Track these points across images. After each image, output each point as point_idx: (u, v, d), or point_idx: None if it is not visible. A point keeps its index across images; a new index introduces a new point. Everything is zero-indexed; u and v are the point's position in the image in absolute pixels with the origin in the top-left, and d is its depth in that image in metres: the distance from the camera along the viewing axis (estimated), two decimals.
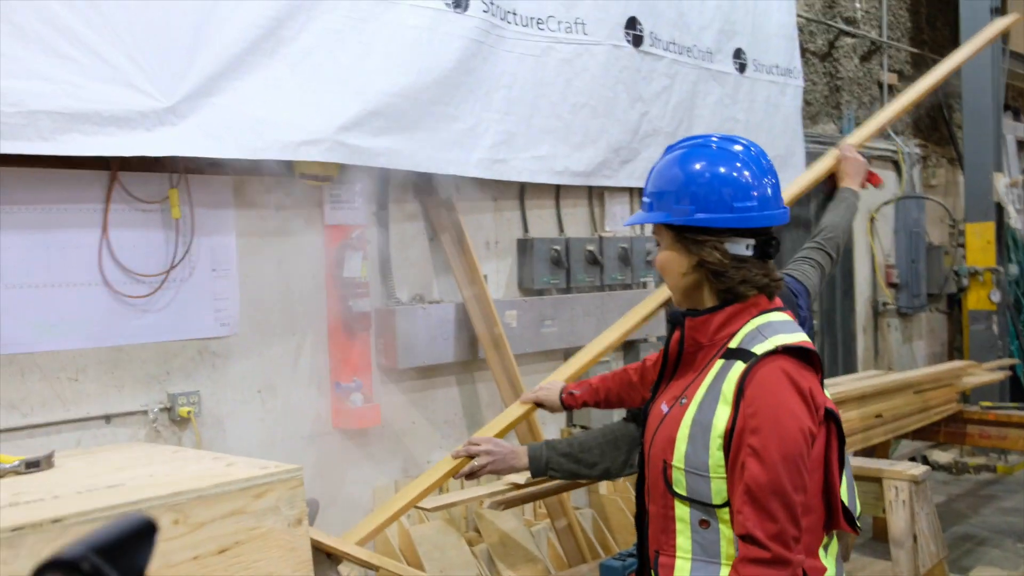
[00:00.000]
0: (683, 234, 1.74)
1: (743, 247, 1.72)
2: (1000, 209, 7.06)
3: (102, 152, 3.00)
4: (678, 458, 1.68)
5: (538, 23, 4.56)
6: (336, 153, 3.61)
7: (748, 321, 1.73)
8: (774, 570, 1.55)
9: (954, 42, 7.67)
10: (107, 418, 3.27)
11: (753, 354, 1.65)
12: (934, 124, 8.42)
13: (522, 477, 2.82)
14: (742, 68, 5.87)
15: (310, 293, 3.82)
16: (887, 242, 7.45)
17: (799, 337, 1.69)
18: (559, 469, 2.36)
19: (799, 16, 6.47)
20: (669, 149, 1.84)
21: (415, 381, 4.18)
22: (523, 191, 4.65)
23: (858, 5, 7.29)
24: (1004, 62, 7.31)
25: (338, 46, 3.66)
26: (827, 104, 7.12)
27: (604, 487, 4.55)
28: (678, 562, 1.70)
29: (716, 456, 1.64)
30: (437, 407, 4.28)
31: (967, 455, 6.94)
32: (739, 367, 1.65)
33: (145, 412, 3.36)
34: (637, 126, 5.12)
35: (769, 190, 1.73)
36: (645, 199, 1.83)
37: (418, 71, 3.92)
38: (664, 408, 1.78)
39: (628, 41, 5.03)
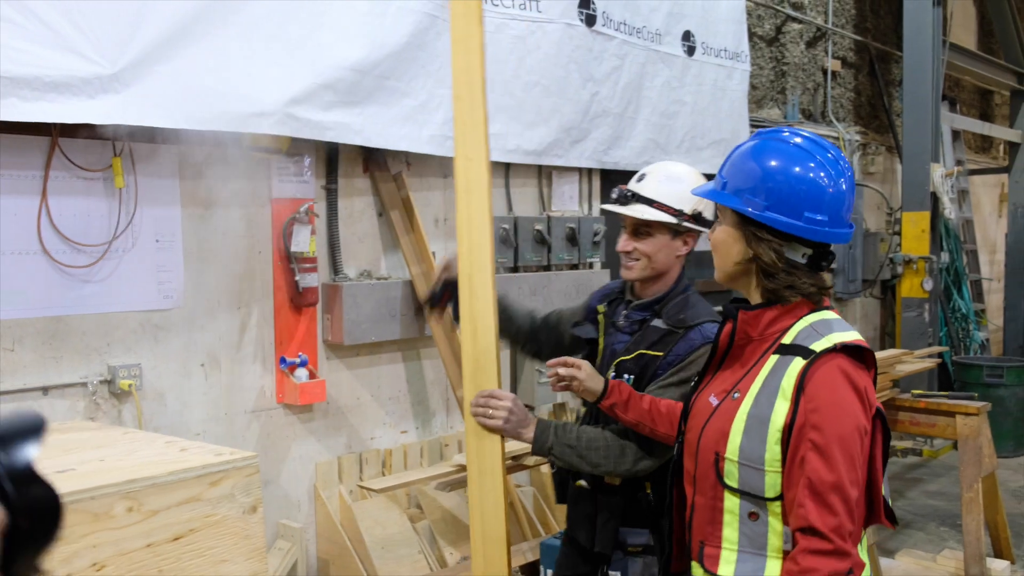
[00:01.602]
0: (748, 225, 1.75)
1: (799, 255, 1.74)
2: (935, 199, 7.25)
3: (42, 118, 2.91)
4: (732, 451, 1.69)
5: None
6: (286, 126, 3.56)
7: (801, 317, 1.75)
8: (835, 561, 1.58)
9: (896, 31, 7.82)
10: (44, 390, 3.20)
11: (812, 351, 1.67)
12: (874, 112, 8.59)
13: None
14: (691, 51, 5.91)
15: (256, 267, 3.77)
16: None
17: (855, 335, 1.72)
18: (560, 458, 2.30)
19: (748, 0, 6.52)
20: (764, 135, 1.82)
21: (361, 357, 4.16)
22: None
23: None
24: (943, 53, 7.47)
25: (290, 17, 3.59)
26: (773, 89, 7.21)
27: (545, 464, 4.60)
28: (724, 553, 1.72)
29: (773, 450, 1.66)
30: (383, 384, 4.27)
31: (895, 439, 7.17)
32: (798, 363, 1.67)
33: (84, 384, 3.29)
34: (588, 106, 5.13)
35: (843, 210, 1.74)
36: (723, 176, 1.81)
37: (371, 45, 3.87)
38: (713, 400, 1.79)
39: (581, 20, 5.02)
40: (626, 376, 2.32)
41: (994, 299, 10.19)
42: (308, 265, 3.83)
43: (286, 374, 3.81)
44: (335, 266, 4.03)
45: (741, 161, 1.77)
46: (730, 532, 1.72)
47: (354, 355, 4.12)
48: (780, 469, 1.65)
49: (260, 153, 3.68)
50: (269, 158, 3.76)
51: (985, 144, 10.93)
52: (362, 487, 3.92)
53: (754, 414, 1.68)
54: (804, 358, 1.67)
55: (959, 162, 9.58)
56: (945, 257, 8.66)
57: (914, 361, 5.62)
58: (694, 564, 1.79)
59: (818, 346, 1.68)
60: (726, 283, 1.84)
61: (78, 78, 2.96)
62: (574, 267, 5.18)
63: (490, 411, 2.25)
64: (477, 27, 2.34)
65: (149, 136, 3.32)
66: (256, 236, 3.77)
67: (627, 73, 5.41)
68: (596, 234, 5.20)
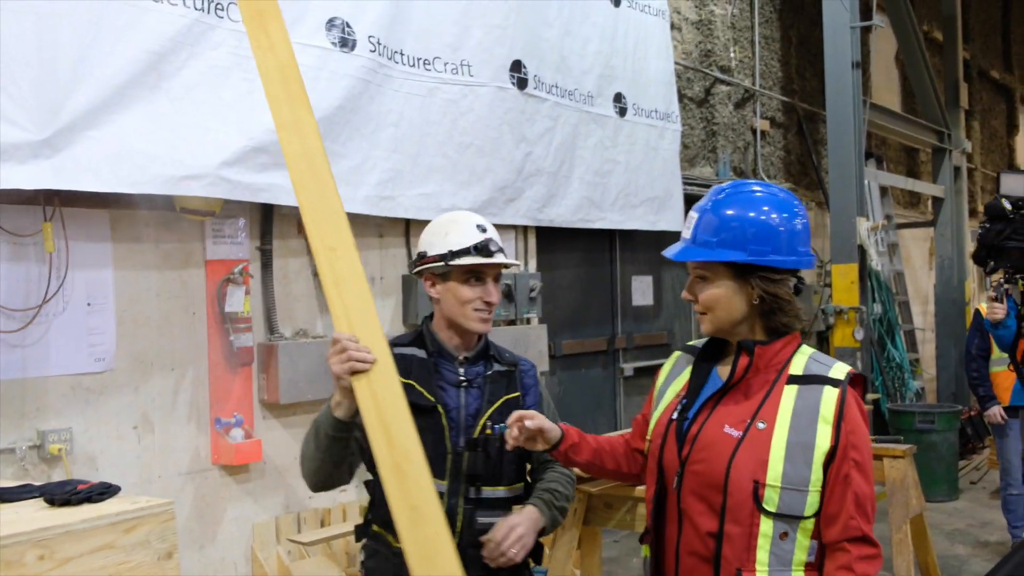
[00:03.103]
0: (752, 273, 1.87)
1: (792, 285, 1.92)
2: (863, 251, 7.50)
3: None
4: (773, 477, 1.79)
5: (425, 64, 4.67)
6: (218, 188, 3.62)
7: (796, 350, 1.92)
8: (879, 562, 1.83)
9: (822, 92, 8.15)
10: None
11: (835, 380, 1.85)
12: (804, 169, 8.90)
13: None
14: (622, 112, 6.11)
15: (190, 328, 3.79)
16: None
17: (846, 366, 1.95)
18: (564, 516, 2.32)
19: (677, 63, 6.77)
20: (725, 191, 1.94)
21: (298, 416, 4.16)
22: (409, 227, 4.72)
23: (732, 55, 7.69)
24: (865, 113, 7.80)
25: (222, 82, 3.68)
26: (704, 148, 7.46)
27: None
28: (758, 575, 1.82)
29: (817, 472, 1.80)
30: None
31: None
32: (831, 391, 1.83)
33: (13, 450, 3.26)
34: (521, 165, 5.27)
35: (808, 240, 1.96)
36: (704, 237, 1.90)
37: None
38: (733, 432, 1.85)
39: (513, 83, 5.19)
40: (496, 427, 2.20)
41: (928, 349, 10.48)
42: (243, 325, 3.86)
43: (221, 434, 3.80)
44: (271, 326, 4.06)
45: (726, 220, 1.88)
46: (763, 555, 1.81)
47: (291, 414, 4.13)
48: (820, 489, 1.81)
49: (193, 215, 3.72)
50: (203, 220, 3.80)
51: (913, 200, 11.34)
52: (293, 541, 3.91)
53: (795, 441, 1.80)
54: (832, 386, 1.83)
55: (888, 217, 9.93)
56: (878, 308, 8.92)
57: None
58: None
59: (835, 375, 1.86)
60: (725, 333, 1.93)
61: (8, 144, 3.00)
62: (511, 323, 5.26)
63: (512, 551, 2.07)
64: (307, 114, 2.14)
65: (81, 200, 3.35)
66: (190, 297, 3.79)
67: (560, 133, 5.57)
68: (532, 290, 5.30)
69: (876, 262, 7.75)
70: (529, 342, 5.18)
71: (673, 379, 2.06)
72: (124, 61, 3.35)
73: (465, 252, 2.22)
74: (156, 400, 3.67)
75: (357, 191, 4.29)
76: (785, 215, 1.89)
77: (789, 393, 1.85)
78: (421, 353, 2.25)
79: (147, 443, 3.64)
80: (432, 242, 2.28)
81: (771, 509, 1.79)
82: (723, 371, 1.96)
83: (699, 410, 1.92)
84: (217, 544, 3.86)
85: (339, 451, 2.09)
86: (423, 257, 2.29)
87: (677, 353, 2.11)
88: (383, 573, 2.19)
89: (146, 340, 3.65)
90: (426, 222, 2.46)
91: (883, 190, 9.93)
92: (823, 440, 1.80)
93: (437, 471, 2.11)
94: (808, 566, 1.82)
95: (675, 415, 1.95)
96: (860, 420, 1.84)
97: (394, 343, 2.20)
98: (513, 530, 2.11)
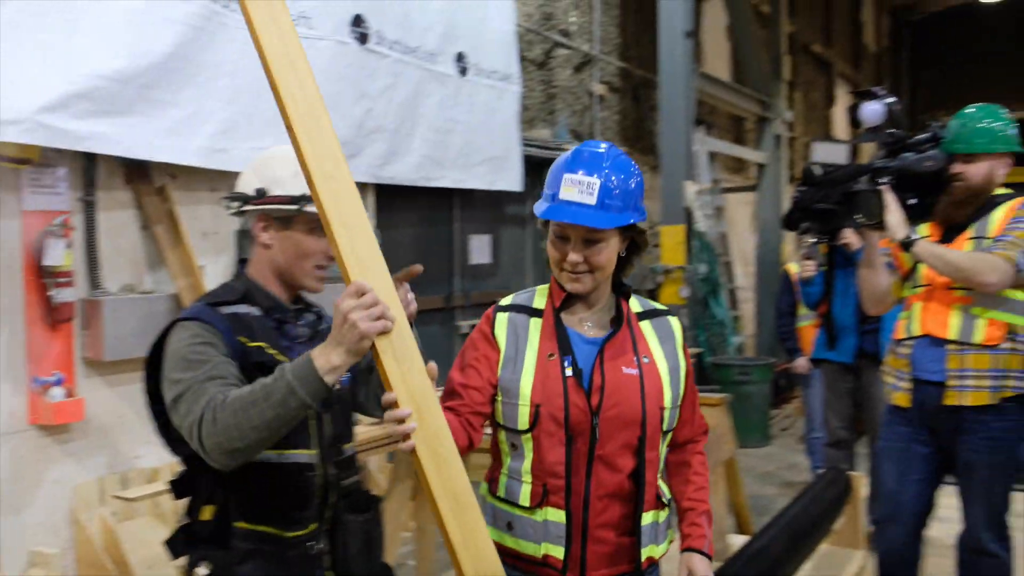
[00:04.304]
0: (629, 232, 2.00)
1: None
2: (690, 214, 7.89)
3: None
4: (668, 400, 2.01)
5: None
6: (36, 135, 3.44)
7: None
8: None
9: (656, 60, 8.44)
10: None
11: (666, 310, 2.13)
12: (639, 134, 9.23)
13: None
14: (463, 71, 6.15)
15: (5, 282, 3.59)
16: None
17: None
18: None
19: (518, 25, 6.86)
20: (608, 156, 1.97)
21: (125, 374, 4.03)
22: None
23: (572, 19, 7.84)
24: (695, 81, 8.15)
25: (41, 22, 3.47)
26: (543, 110, 7.61)
27: None
28: (661, 485, 2.06)
29: (682, 389, 2.07)
30: None
31: None
32: (674, 320, 2.12)
33: None
34: (362, 122, 5.23)
35: None
36: (608, 201, 1.91)
37: (131, 54, 3.80)
38: (631, 371, 1.99)
39: (354, 38, 5.13)
40: (343, 379, 1.90)
41: (749, 307, 11.15)
42: (63, 280, 3.69)
43: (39, 394, 3.65)
44: (94, 280, 3.90)
45: (623, 183, 1.93)
46: (660, 468, 2.06)
47: (116, 372, 3.99)
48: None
49: (8, 163, 3.52)
50: (19, 168, 3.60)
51: (739, 166, 11.96)
52: (118, 497, 3.82)
53: (672, 366, 2.04)
54: (671, 315, 2.12)
55: (715, 181, 10.44)
56: (703, 268, 9.41)
57: None
58: (647, 514, 2.00)
59: (661, 307, 2.14)
60: (594, 289, 2.01)
61: None
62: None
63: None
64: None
65: None
66: (5, 250, 3.59)
67: (402, 91, 5.56)
68: None
69: (702, 224, 8.18)
70: None
71: (519, 339, 2.04)
72: None
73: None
74: None
75: (189, 142, 4.15)
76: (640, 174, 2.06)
77: (647, 328, 2.07)
78: (256, 311, 1.96)
79: None
80: (279, 179, 1.94)
81: (666, 428, 2.02)
82: (569, 320, 2.04)
83: (592, 361, 1.98)
84: (36, 508, 3.72)
85: (294, 423, 1.74)
86: (263, 195, 1.94)
87: (503, 314, 2.09)
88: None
89: None
90: None
91: (711, 156, 10.42)
92: (683, 361, 2.08)
93: (302, 440, 1.92)
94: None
95: (568, 371, 1.96)
96: None
97: (220, 303, 1.93)
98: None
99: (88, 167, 3.89)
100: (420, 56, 5.74)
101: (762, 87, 10.29)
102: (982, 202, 3.16)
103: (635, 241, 2.04)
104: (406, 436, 1.64)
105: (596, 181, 1.92)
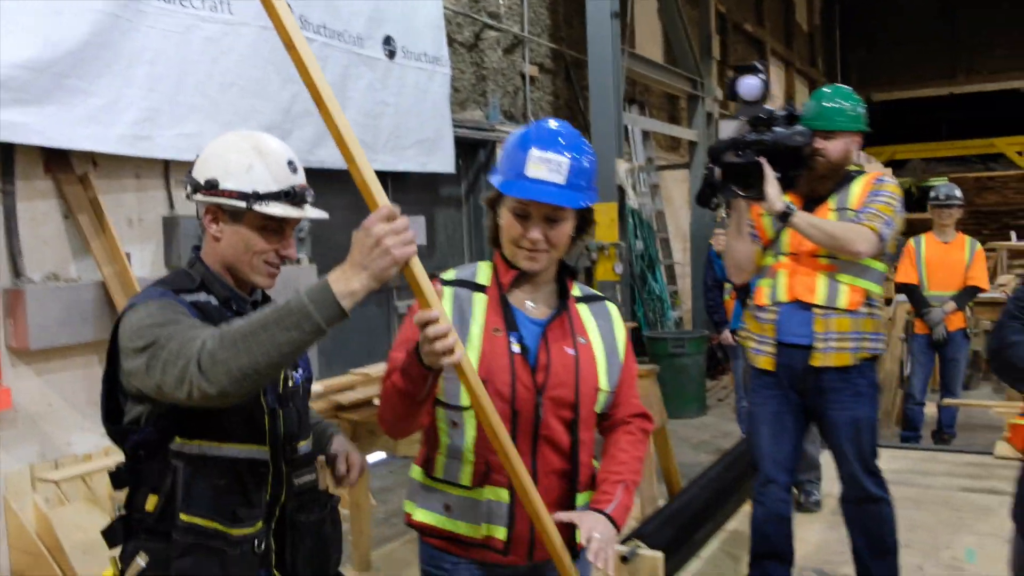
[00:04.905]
0: (581, 211, 2.00)
1: None
2: (622, 191, 8.03)
3: None
4: (603, 382, 2.03)
5: (181, 0, 4.55)
6: None
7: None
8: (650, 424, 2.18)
9: (586, 40, 8.56)
10: None
11: (604, 296, 2.16)
12: (572, 114, 9.34)
13: None
14: (392, 55, 6.20)
15: None
16: None
17: None
18: None
19: (446, 8, 6.91)
20: (568, 135, 1.96)
21: (52, 363, 4.05)
22: (168, 168, 4.62)
23: (501, 1, 7.91)
24: (624, 61, 8.28)
25: None
26: (474, 92, 7.67)
27: None
28: (596, 466, 2.09)
29: (619, 372, 2.09)
30: (78, 388, 4.18)
31: None
32: (612, 306, 2.14)
33: None
34: (289, 106, 5.26)
35: None
36: (576, 181, 1.92)
37: (45, 43, 3.80)
38: (569, 351, 2.00)
39: None
40: (297, 374, 2.00)
41: (686, 282, 11.36)
42: None
43: None
44: (16, 270, 3.90)
45: (589, 163, 1.97)
46: (592, 450, 2.08)
47: (43, 360, 4.01)
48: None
49: None
50: None
51: (674, 143, 12.14)
52: (45, 481, 3.85)
53: (610, 351, 2.06)
54: (609, 302, 2.14)
55: (649, 159, 10.63)
56: (640, 245, 9.59)
57: None
58: (582, 495, 2.02)
59: (599, 294, 2.16)
60: (546, 268, 2.03)
61: None
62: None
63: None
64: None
65: None
66: None
67: (329, 75, 5.58)
68: (301, 230, 5.34)
69: (634, 201, 8.33)
70: (300, 282, 5.24)
71: (464, 313, 2.01)
72: None
73: (273, 197, 1.85)
74: None
75: (110, 130, 4.16)
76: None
77: (584, 310, 2.08)
78: (213, 300, 1.86)
79: None
80: (230, 173, 1.84)
81: (599, 410, 2.04)
82: (513, 299, 2.02)
83: (537, 339, 1.99)
84: None
85: (303, 352, 1.63)
86: (213, 187, 1.84)
87: (448, 288, 2.03)
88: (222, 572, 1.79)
89: None
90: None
91: (645, 134, 10.59)
92: (622, 347, 2.09)
93: (256, 436, 1.85)
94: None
95: (516, 348, 1.96)
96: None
97: (180, 291, 1.83)
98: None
99: (5, 157, 3.88)
100: (347, 40, 5.78)
101: (692, 66, 10.46)
102: (841, 176, 3.36)
103: (585, 219, 2.03)
104: (450, 350, 1.68)
105: (565, 160, 1.91)
